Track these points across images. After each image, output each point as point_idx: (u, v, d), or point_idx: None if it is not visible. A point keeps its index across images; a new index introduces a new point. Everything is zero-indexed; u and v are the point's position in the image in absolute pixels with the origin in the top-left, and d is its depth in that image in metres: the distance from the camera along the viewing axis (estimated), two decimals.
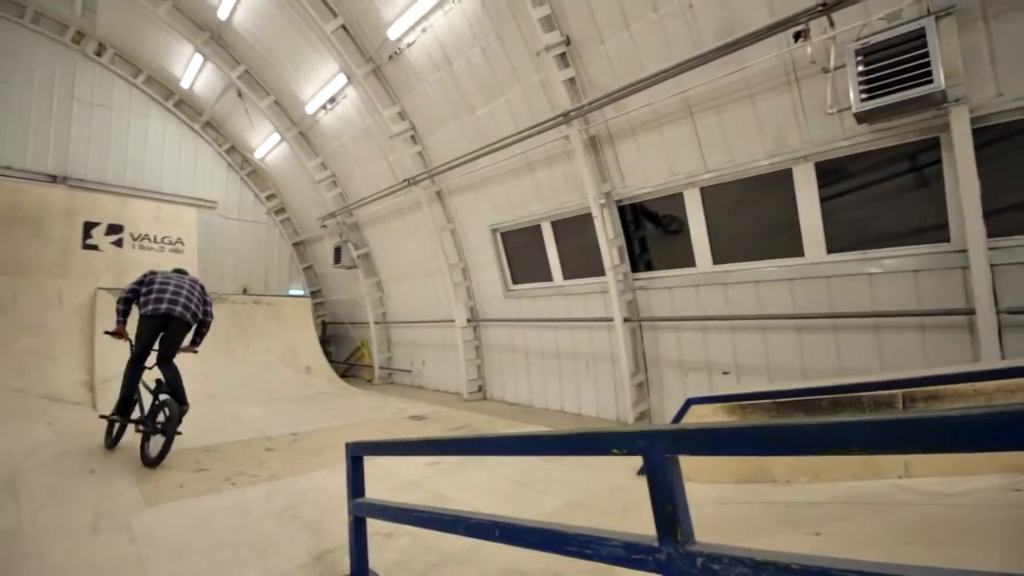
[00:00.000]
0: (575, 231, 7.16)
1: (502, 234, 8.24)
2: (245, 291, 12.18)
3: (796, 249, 5.11)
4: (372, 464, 4.41)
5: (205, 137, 12.03)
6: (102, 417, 4.97)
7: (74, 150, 10.24)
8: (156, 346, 4.83)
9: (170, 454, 4.49)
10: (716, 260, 5.77)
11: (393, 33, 7.33)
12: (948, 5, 3.60)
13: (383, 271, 11.06)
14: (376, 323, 11.19)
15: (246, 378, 8.97)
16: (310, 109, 9.71)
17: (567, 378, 7.56)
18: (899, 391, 2.86)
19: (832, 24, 4.16)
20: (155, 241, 10.73)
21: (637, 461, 3.80)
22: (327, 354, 13.02)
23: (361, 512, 2.43)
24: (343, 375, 12.52)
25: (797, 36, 4.13)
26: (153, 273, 5.08)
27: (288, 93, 9.99)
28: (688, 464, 3.65)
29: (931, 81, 3.57)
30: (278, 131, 10.55)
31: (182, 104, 11.68)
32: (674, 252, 6.17)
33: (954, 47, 3.66)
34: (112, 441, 4.97)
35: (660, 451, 1.23)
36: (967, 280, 4.04)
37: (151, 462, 4.39)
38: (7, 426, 5.68)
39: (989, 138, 4.05)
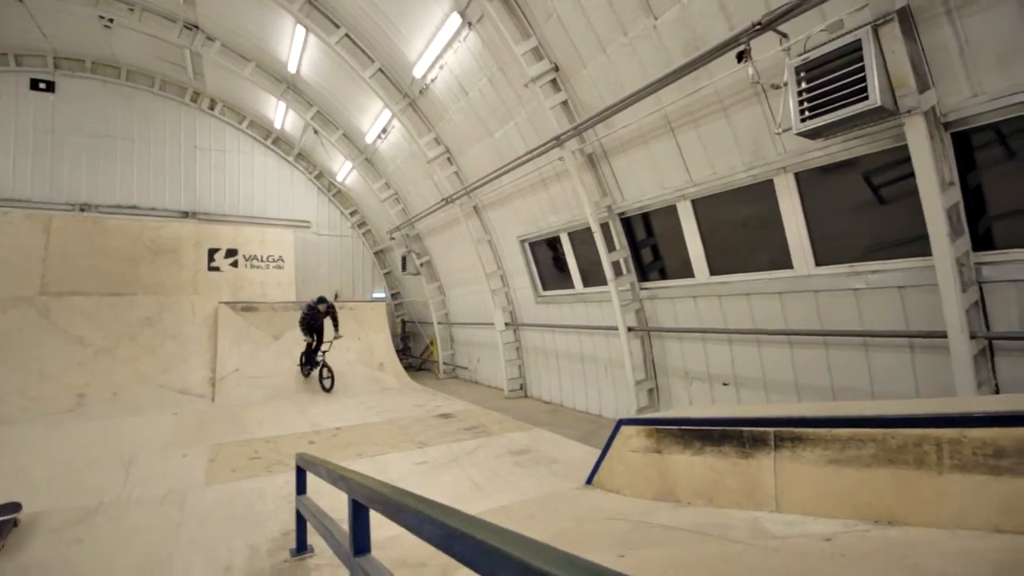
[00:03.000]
0: (591, 241, 7.40)
1: (529, 244, 8.71)
2: (336, 296, 14.08)
3: (785, 261, 4.95)
4: (371, 464, 5.29)
5: (298, 167, 14.04)
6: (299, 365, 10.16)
7: (199, 189, 12.72)
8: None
9: (238, 443, 5.86)
10: (713, 271, 5.72)
11: (418, 72, 8.11)
12: (886, 12, 3.35)
13: (443, 276, 12.11)
14: (439, 323, 12.32)
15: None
16: (369, 139, 10.96)
17: (590, 381, 7.88)
18: (771, 429, 2.94)
19: (785, 37, 4.01)
20: (262, 260, 12.90)
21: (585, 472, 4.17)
22: (407, 350, 14.58)
23: (301, 505, 3.25)
24: (419, 368, 13.95)
25: (740, 57, 4.05)
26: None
27: (352, 127, 11.34)
28: (620, 478, 3.99)
29: (867, 98, 3.37)
30: (348, 159, 12.01)
31: (278, 141, 13.75)
32: (676, 262, 6.19)
33: (900, 56, 3.39)
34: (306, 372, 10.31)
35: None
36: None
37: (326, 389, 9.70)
38: (145, 416, 7.63)
39: (982, 141, 3.67)
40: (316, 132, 11.92)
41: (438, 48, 7.42)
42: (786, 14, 3.77)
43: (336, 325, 10.22)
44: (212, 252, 12.18)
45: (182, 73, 11.93)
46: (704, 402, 6.03)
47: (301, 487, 3.35)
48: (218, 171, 13.02)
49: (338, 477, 2.13)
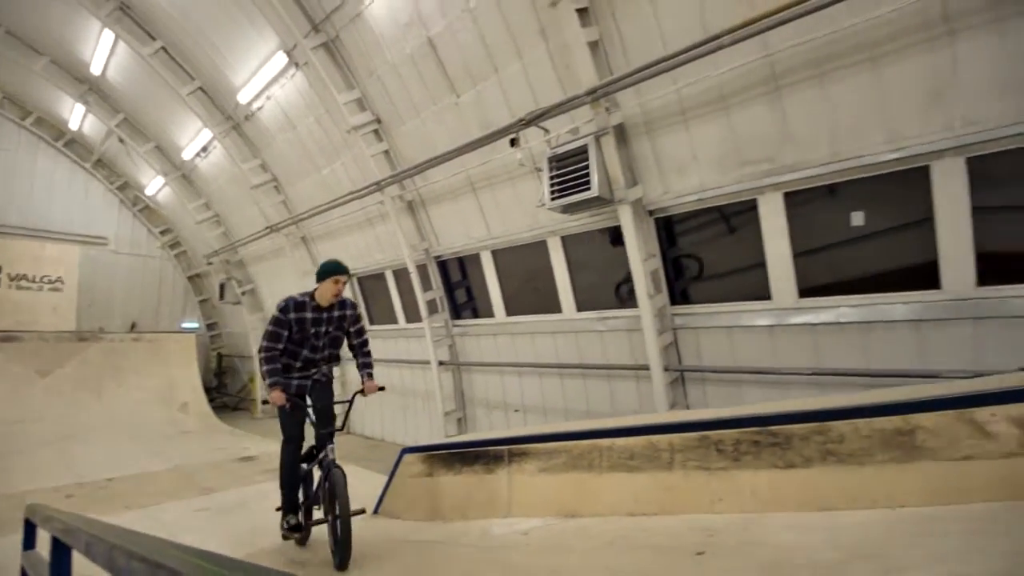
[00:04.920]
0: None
1: (358, 279, 8.88)
2: (134, 326, 12.32)
3: (557, 307, 5.96)
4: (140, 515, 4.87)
5: (96, 175, 12.23)
6: None
7: None
8: None
9: None
10: (508, 312, 6.58)
11: (243, 98, 7.96)
12: (605, 127, 4.51)
13: (268, 306, 11.47)
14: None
15: (112, 418, 9.19)
16: (187, 155, 10.17)
17: (410, 414, 8.20)
18: (506, 447, 3.63)
19: (546, 132, 5.04)
20: (33, 280, 10.83)
21: None
22: (222, 387, 13.24)
23: (27, 562, 2.98)
24: (235, 407, 12.76)
25: (512, 142, 4.99)
26: None
27: (167, 140, 10.42)
28: (401, 503, 4.31)
29: (589, 188, 4.46)
30: (161, 173, 10.92)
31: (73, 144, 11.88)
32: (483, 303, 6.95)
33: (614, 159, 4.56)
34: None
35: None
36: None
37: None
38: None
39: (688, 226, 5.00)
40: (122, 141, 10.65)
41: (265, 80, 7.44)
42: (540, 117, 4.79)
43: (365, 351, 3.81)
44: None
45: None
46: (500, 427, 6.77)
47: (29, 541, 3.05)
48: None
49: (44, 518, 2.15)
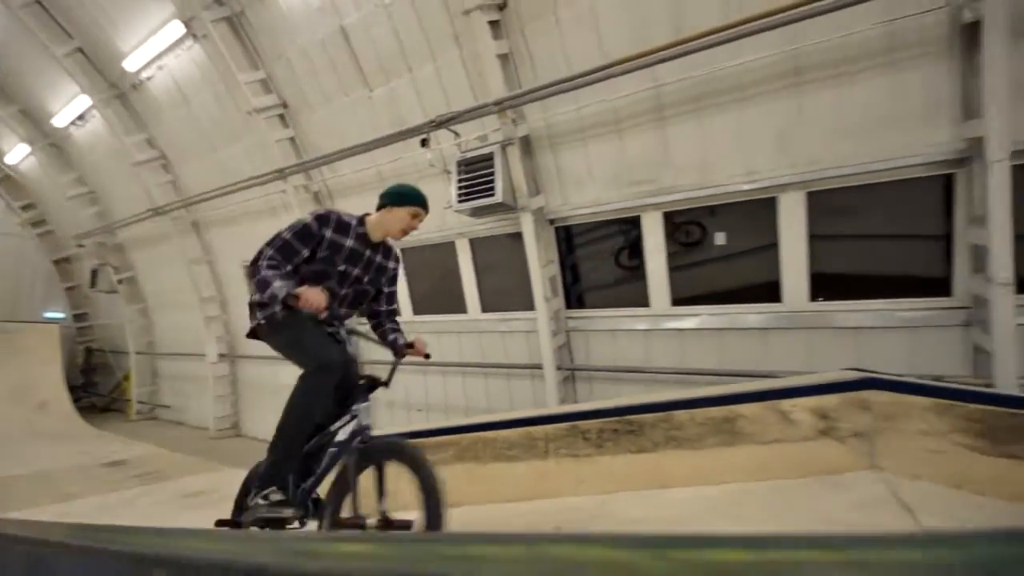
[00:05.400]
0: None
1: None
2: None
3: (463, 307, 6.08)
4: None
5: None
6: None
7: None
8: None
9: None
10: (415, 311, 6.59)
11: (131, 65, 7.24)
12: (511, 138, 4.73)
13: (150, 297, 10.44)
14: (139, 353, 10.47)
15: None
16: (59, 123, 9.01)
17: None
18: None
19: (457, 135, 5.17)
20: None
21: None
22: (90, 385, 11.82)
23: None
24: (106, 408, 11.43)
25: (423, 142, 5.06)
26: None
27: (36, 103, 9.16)
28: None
29: (493, 194, 4.65)
30: (26, 140, 9.56)
31: None
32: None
33: (518, 169, 4.80)
34: None
35: None
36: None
37: None
38: None
39: (581, 236, 5.34)
40: None
41: (157, 48, 6.83)
42: (451, 120, 4.91)
43: (396, 320, 2.73)
44: None
45: None
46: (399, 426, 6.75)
47: None
48: None
49: None
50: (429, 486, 1.97)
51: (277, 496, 2.15)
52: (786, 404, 2.42)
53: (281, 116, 6.52)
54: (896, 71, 3.43)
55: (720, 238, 4.41)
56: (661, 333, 4.68)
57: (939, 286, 3.59)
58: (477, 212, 5.01)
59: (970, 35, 3.09)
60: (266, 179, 6.74)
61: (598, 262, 5.51)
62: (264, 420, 8.41)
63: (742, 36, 3.59)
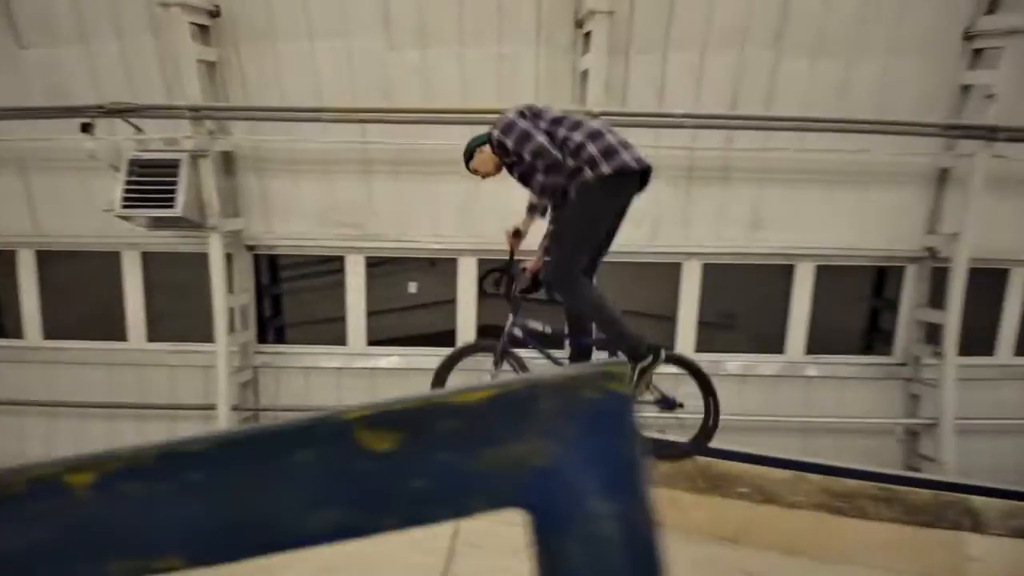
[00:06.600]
0: None
1: None
2: None
3: (121, 334, 5.01)
4: None
5: None
6: None
7: None
8: None
9: None
10: (49, 334, 5.08)
11: None
12: (204, 150, 4.32)
13: None
14: None
15: None
16: None
17: None
18: None
19: (140, 131, 4.42)
20: None
21: None
22: None
23: None
24: None
25: (85, 127, 4.16)
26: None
27: None
28: None
29: (172, 207, 4.12)
30: None
31: None
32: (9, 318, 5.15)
33: (210, 185, 4.38)
34: None
35: None
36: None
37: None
38: None
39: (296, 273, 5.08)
40: None
41: None
42: (131, 111, 4.21)
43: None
44: None
45: None
46: None
47: None
48: None
49: None
50: None
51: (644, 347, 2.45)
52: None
53: None
54: None
55: (413, 287, 4.90)
56: (354, 372, 4.81)
57: None
58: (159, 223, 4.31)
59: None
60: None
61: (304, 297, 5.39)
62: None
63: (437, 123, 4.25)
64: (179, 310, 5.14)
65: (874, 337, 4.92)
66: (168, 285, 5.14)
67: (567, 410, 0.35)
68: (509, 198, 4.62)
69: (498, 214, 4.63)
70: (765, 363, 4.72)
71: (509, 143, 2.33)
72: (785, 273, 4.60)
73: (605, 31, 4.06)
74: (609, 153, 2.24)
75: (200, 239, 4.72)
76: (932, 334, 4.54)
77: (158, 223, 4.33)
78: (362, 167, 4.60)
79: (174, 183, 4.13)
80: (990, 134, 4.17)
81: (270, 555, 0.36)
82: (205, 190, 4.36)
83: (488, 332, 4.53)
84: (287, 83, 4.44)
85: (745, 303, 4.92)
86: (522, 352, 2.94)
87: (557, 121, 2.39)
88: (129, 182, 4.11)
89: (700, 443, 2.67)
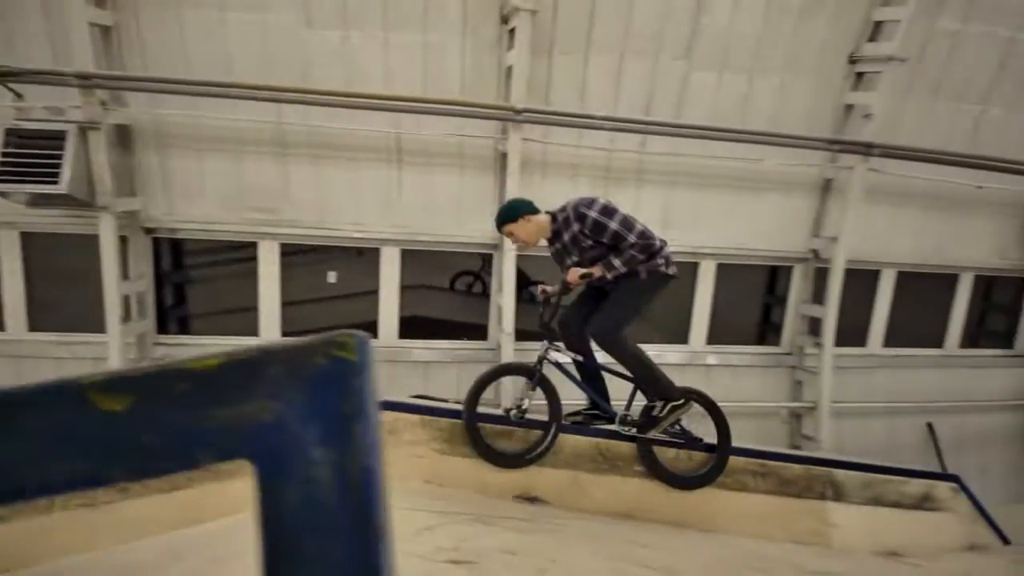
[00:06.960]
0: None
1: None
2: None
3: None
4: None
5: None
6: None
7: None
8: None
9: None
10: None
11: None
12: (95, 121, 3.96)
13: None
14: None
15: None
16: None
17: None
18: None
19: (20, 96, 3.97)
20: None
21: None
22: None
23: None
24: None
25: None
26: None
27: None
28: None
29: (56, 182, 3.75)
30: None
31: None
32: None
33: (102, 161, 4.02)
34: None
35: None
36: None
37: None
38: None
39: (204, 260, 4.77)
40: None
41: None
42: (8, 75, 3.77)
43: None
44: None
45: None
46: None
47: None
48: None
49: None
50: None
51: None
52: None
53: None
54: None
55: (332, 276, 4.77)
56: None
57: None
58: (38, 201, 3.90)
59: None
60: None
61: (213, 285, 5.09)
62: None
63: (360, 107, 4.16)
64: (67, 298, 4.70)
65: (766, 329, 5.41)
66: (55, 270, 4.68)
67: (295, 373, 0.40)
68: (432, 189, 4.68)
69: (421, 204, 4.66)
70: (672, 352, 5.06)
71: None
72: (690, 270, 4.94)
73: (529, 28, 4.14)
74: (672, 262, 2.84)
75: (90, 219, 4.34)
76: (814, 327, 5.06)
77: (40, 200, 3.92)
78: (277, 149, 4.40)
79: (59, 157, 3.76)
80: (866, 149, 4.69)
81: (13, 503, 0.39)
82: (96, 166, 4.00)
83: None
84: (193, 53, 4.15)
85: None
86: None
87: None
88: (5, 153, 3.69)
89: (714, 475, 3.13)
